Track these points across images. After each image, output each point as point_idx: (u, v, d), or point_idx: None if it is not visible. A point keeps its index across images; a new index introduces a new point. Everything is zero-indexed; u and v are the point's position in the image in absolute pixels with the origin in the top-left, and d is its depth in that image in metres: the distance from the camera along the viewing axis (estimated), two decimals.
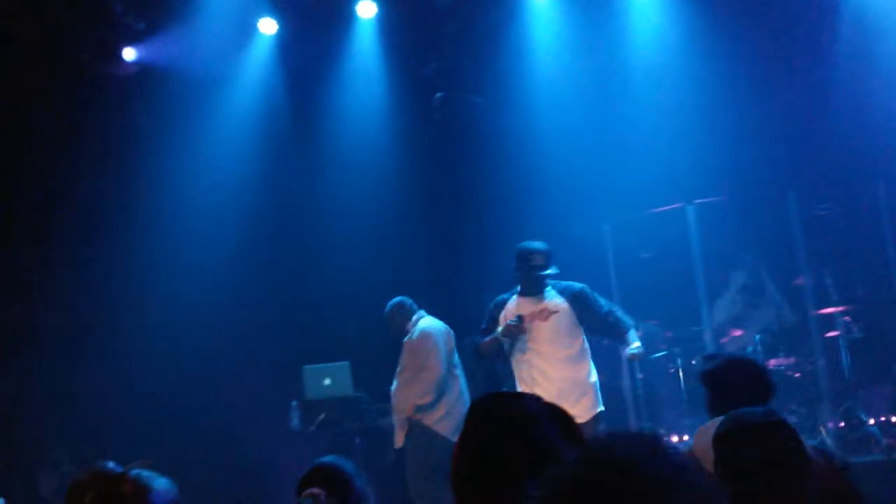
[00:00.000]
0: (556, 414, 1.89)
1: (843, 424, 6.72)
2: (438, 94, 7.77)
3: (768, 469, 2.28)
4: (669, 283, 7.32)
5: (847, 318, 7.12)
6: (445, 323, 6.09)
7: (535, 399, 1.93)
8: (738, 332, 7.21)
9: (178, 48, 7.39)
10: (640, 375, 7.34)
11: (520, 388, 5.37)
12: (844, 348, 6.98)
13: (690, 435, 6.64)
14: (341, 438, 6.96)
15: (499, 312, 5.56)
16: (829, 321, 7.12)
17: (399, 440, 6.07)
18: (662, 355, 7.28)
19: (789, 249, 7.37)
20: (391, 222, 8.02)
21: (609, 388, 7.47)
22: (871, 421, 6.66)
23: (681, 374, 7.04)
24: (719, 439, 2.36)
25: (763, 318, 7.30)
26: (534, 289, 5.49)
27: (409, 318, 6.18)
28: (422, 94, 7.88)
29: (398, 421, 6.08)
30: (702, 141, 7.18)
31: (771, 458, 2.30)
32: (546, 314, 5.45)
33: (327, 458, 3.05)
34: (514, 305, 5.54)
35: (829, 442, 6.51)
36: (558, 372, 5.39)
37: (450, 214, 8.30)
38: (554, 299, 5.51)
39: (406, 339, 6.14)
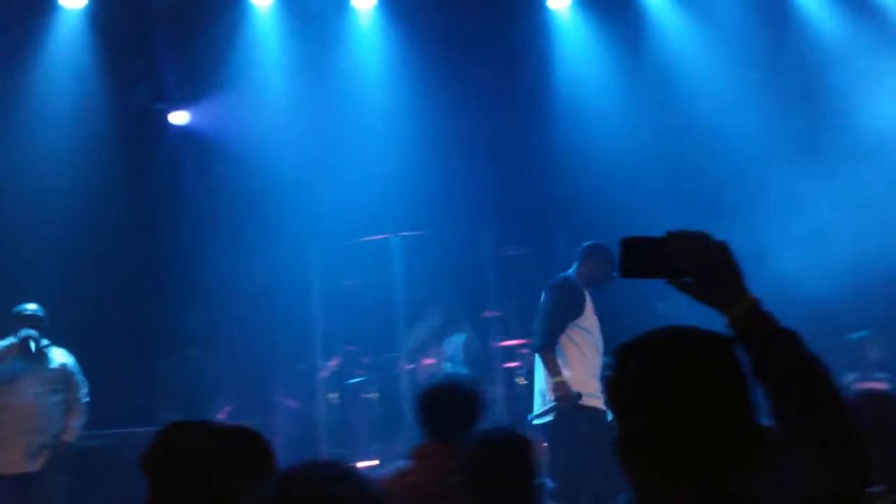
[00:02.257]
0: (243, 442, 1.89)
1: None
2: (145, 99, 7.43)
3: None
4: (371, 310, 7.53)
5: (525, 351, 7.79)
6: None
7: (221, 429, 1.92)
8: (429, 361, 7.58)
9: None
10: (335, 401, 7.47)
11: (581, 370, 5.56)
12: (522, 377, 7.63)
13: (382, 460, 6.88)
14: None
15: (584, 299, 5.71)
16: (510, 353, 7.75)
17: (39, 463, 5.86)
18: (359, 381, 7.46)
19: (482, 284, 7.92)
20: (92, 227, 7.42)
21: (303, 413, 7.52)
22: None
23: (375, 399, 7.26)
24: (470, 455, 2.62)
25: (452, 348, 7.75)
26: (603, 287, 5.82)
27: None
28: (131, 96, 7.47)
29: (45, 444, 5.92)
30: (412, 177, 7.52)
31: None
32: None
33: None
34: (589, 298, 5.76)
35: None
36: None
37: (155, 224, 7.87)
38: None
39: (49, 361, 6.04)
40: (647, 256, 1.60)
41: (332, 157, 7.58)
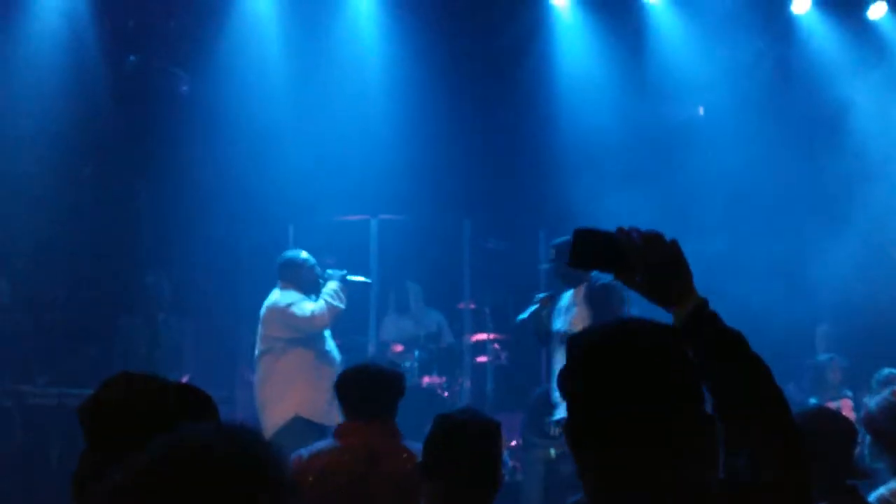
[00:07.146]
0: (186, 398, 1.82)
1: None
2: (132, 58, 7.19)
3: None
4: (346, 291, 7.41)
5: (496, 346, 7.72)
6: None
7: (164, 383, 1.86)
8: (399, 348, 7.49)
9: None
10: None
11: None
12: (490, 373, 7.56)
13: None
14: None
15: None
16: (482, 347, 7.67)
17: None
18: None
19: (458, 275, 7.83)
20: (67, 179, 7.12)
21: None
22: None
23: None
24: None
25: (425, 337, 7.66)
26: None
27: None
28: (117, 52, 7.21)
29: None
30: (395, 160, 7.42)
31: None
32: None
33: None
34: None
35: None
36: None
37: (125, 200, 7.57)
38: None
39: None
40: (598, 249, 1.63)
41: (317, 134, 7.43)
